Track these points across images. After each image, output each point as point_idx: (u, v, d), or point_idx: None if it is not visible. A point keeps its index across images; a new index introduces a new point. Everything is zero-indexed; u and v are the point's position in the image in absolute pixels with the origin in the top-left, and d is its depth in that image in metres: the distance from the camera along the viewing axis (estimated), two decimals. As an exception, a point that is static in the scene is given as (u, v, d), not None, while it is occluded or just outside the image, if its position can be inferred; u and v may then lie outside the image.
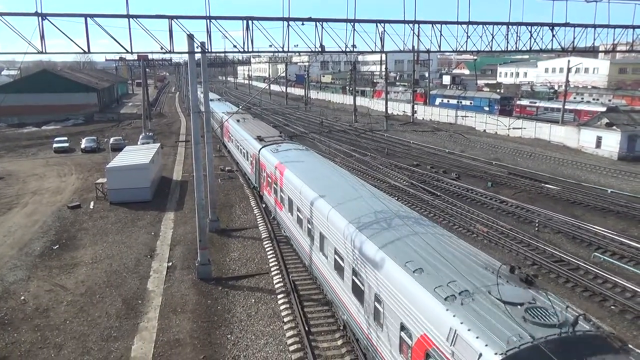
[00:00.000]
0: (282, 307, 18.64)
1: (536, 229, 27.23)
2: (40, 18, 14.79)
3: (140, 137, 55.21)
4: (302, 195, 19.73)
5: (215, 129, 52.50)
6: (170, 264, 23.07)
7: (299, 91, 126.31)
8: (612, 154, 47.08)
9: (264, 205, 29.83)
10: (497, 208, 31.14)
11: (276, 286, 20.49)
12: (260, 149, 28.92)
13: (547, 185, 35.94)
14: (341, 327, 16.60)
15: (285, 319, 17.76)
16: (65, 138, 57.52)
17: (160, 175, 40.25)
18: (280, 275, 21.32)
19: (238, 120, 42.50)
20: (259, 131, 35.70)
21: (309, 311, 18.13)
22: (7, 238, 26.90)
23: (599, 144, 49.09)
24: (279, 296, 19.57)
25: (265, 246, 24.83)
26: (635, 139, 46.67)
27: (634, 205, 30.62)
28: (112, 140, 54.58)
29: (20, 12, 14.99)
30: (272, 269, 22.11)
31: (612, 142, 47.51)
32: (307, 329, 16.81)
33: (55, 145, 54.87)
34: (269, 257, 23.50)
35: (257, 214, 29.95)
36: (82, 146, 54.16)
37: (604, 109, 56.53)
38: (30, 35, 14.72)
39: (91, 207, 32.22)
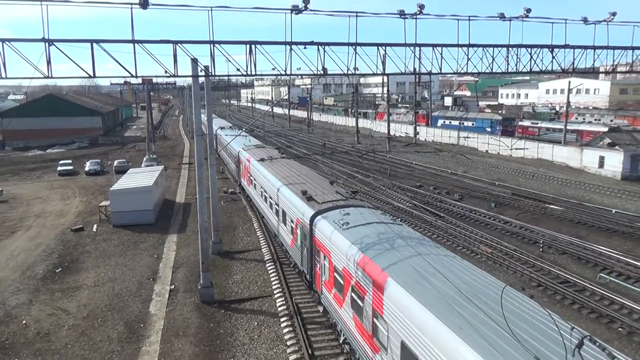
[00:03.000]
0: (285, 331, 18.45)
1: (541, 249, 27.05)
2: (47, 44, 15.00)
3: (144, 159, 55.51)
4: None
5: (218, 149, 52.72)
6: (172, 286, 22.95)
7: (301, 113, 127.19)
8: (615, 173, 46.99)
9: (321, 308, 19.37)
10: (501, 229, 30.98)
11: (279, 309, 20.31)
12: (314, 216, 18.70)
13: (550, 206, 35.80)
14: (345, 351, 16.38)
15: (289, 343, 17.57)
16: (70, 161, 57.97)
17: (164, 197, 40.32)
18: (283, 298, 21.15)
19: (262, 159, 32.79)
20: (300, 180, 24.89)
21: (313, 334, 17.94)
22: (10, 261, 26.86)
23: (601, 164, 49.05)
24: (282, 319, 19.37)
25: (268, 268, 24.69)
26: (638, 158, 46.60)
27: (638, 225, 30.44)
28: (116, 162, 54.90)
29: (27, 38, 15.24)
30: (275, 292, 21.96)
31: (615, 162, 47.48)
32: (310, 352, 16.60)
33: (59, 168, 55.30)
34: (271, 279, 23.35)
35: (259, 236, 29.86)
36: (86, 169, 54.56)
37: (605, 129, 56.68)
38: (37, 61, 14.92)
39: (94, 229, 32.22)
